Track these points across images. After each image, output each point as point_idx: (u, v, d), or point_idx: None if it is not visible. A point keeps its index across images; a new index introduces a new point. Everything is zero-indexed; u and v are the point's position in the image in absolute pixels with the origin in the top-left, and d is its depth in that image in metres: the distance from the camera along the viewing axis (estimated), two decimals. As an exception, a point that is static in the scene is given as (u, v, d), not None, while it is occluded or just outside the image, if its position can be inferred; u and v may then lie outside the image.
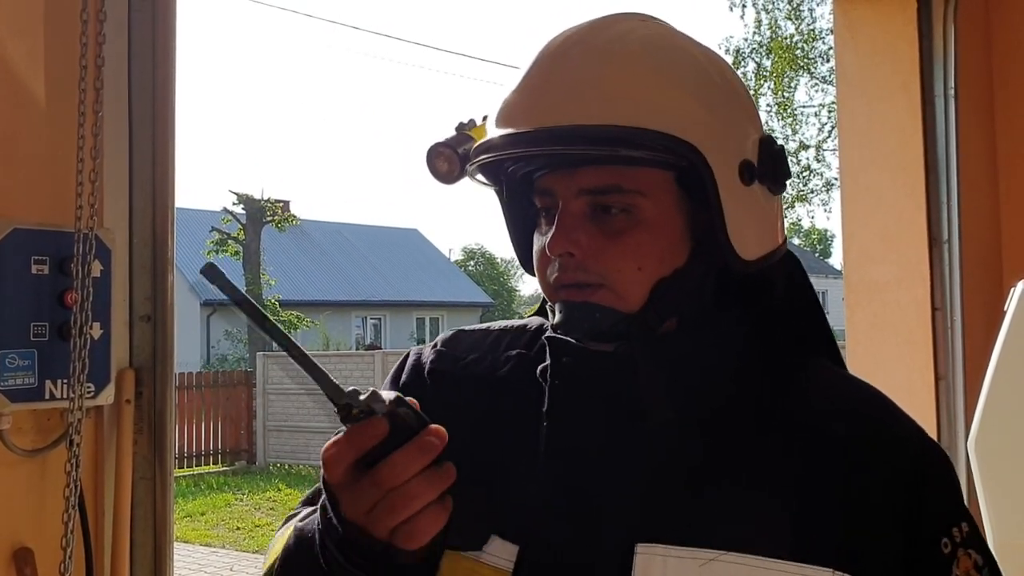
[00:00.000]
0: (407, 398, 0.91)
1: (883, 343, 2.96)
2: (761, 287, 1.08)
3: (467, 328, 1.22)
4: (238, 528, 11.08)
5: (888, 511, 0.98)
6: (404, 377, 1.18)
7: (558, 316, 1.04)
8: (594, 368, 1.04)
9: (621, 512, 0.99)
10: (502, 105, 1.04)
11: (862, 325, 3.03)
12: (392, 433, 0.87)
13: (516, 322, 1.19)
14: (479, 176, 1.11)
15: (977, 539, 1.03)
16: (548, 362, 1.07)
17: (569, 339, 1.04)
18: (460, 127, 1.18)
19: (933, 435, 2.84)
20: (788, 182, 1.09)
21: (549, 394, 1.06)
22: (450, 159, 1.14)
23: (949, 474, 1.06)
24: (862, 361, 3.02)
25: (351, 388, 0.88)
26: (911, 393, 2.88)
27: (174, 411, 1.76)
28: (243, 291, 0.89)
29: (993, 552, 1.06)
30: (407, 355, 1.21)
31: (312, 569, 0.97)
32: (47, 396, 1.57)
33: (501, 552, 1.01)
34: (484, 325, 1.21)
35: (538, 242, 1.06)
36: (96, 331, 1.61)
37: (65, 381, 1.57)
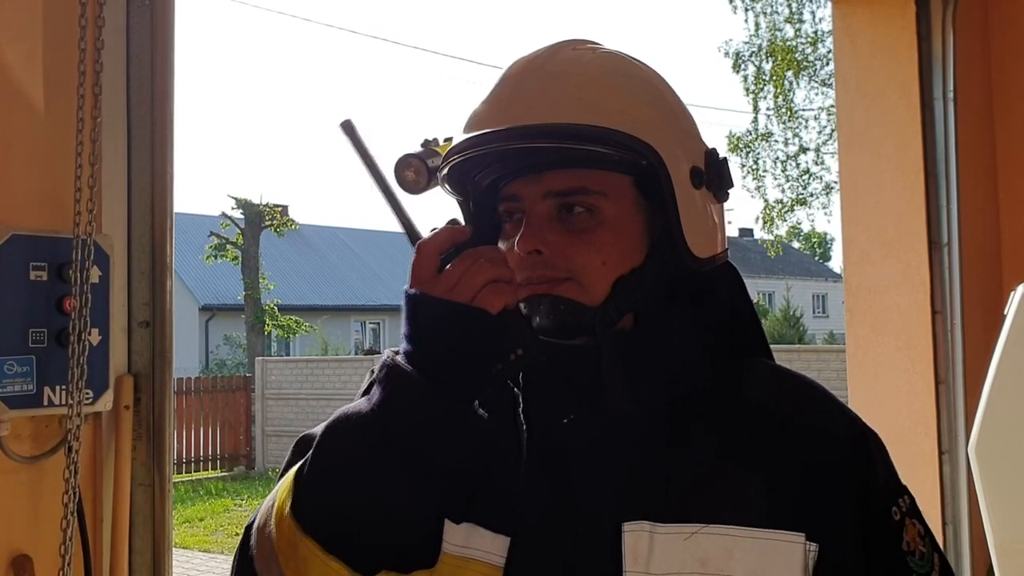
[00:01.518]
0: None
1: (883, 346, 2.96)
2: (706, 290, 1.16)
3: None
4: (237, 534, 11.03)
5: (843, 486, 1.07)
6: None
7: (524, 313, 1.09)
8: (564, 361, 1.09)
9: (604, 496, 1.05)
10: (470, 116, 1.11)
11: (862, 329, 3.02)
12: (472, 238, 1.04)
13: None
14: (447, 185, 1.17)
15: (917, 511, 1.14)
16: None
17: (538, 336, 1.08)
18: (426, 143, 1.24)
19: (934, 439, 2.86)
20: (730, 191, 1.17)
21: (523, 393, 1.11)
22: (418, 169, 1.19)
23: (886, 453, 1.15)
24: (862, 364, 3.02)
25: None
26: (911, 397, 2.88)
27: (173, 417, 1.76)
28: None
29: (993, 555, 1.10)
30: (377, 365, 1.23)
31: (360, 433, 1.00)
32: (45, 402, 1.56)
33: (491, 546, 1.04)
34: None
35: (504, 244, 1.12)
36: (95, 337, 1.60)
37: (64, 387, 1.56)
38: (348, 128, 1.09)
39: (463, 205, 1.19)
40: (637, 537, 1.02)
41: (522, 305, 1.08)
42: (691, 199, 1.09)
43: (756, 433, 1.08)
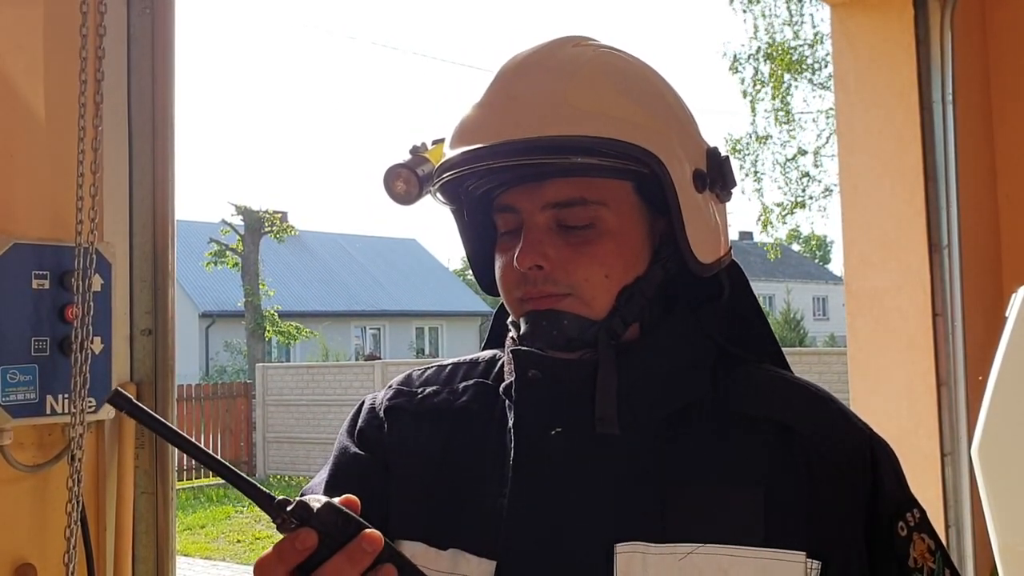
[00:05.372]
0: (343, 497, 0.89)
1: (884, 349, 2.96)
2: (708, 292, 1.13)
3: (419, 368, 1.24)
4: (238, 541, 11.05)
5: (848, 497, 1.03)
6: (360, 423, 1.19)
7: (524, 328, 1.05)
8: (561, 377, 1.05)
9: (596, 517, 1.01)
10: (461, 124, 1.06)
11: (863, 331, 3.03)
12: (323, 542, 0.86)
13: (467, 357, 1.22)
14: (439, 195, 1.12)
15: (928, 525, 1.09)
16: (511, 379, 1.09)
17: (534, 350, 1.05)
18: (415, 150, 1.20)
19: (935, 440, 2.86)
20: (734, 190, 1.14)
21: (515, 408, 1.07)
22: (408, 180, 1.15)
23: (897, 464, 1.11)
24: (864, 367, 3.02)
25: (281, 498, 0.87)
26: (913, 399, 2.88)
27: (175, 425, 1.76)
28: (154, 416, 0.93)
29: (997, 557, 1.08)
30: (362, 401, 1.22)
31: None
32: (48, 411, 1.56)
33: (476, 572, 1.02)
34: (436, 362, 1.24)
35: (502, 258, 1.08)
36: (97, 345, 1.60)
37: (66, 396, 1.56)
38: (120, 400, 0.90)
39: (456, 214, 1.15)
40: (629, 559, 0.98)
41: (522, 319, 1.06)
42: (694, 204, 1.06)
43: (756, 446, 1.03)
